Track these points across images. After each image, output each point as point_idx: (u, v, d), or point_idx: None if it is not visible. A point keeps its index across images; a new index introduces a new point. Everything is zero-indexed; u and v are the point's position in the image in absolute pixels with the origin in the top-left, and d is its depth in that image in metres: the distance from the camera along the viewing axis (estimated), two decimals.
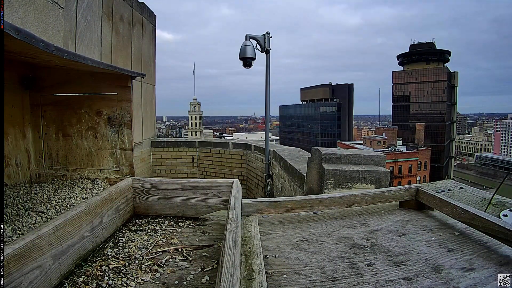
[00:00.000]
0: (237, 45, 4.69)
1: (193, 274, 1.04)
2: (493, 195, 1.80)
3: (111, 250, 1.18)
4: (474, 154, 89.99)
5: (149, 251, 1.19)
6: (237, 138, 34.97)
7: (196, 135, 69.41)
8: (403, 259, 1.10)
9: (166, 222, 1.50)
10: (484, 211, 1.52)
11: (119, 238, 1.28)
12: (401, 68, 64.40)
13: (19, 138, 2.31)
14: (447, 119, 56.40)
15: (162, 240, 1.29)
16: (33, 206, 1.91)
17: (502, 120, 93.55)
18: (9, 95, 2.20)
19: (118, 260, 1.09)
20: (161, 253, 1.18)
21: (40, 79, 2.35)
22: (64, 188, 2.26)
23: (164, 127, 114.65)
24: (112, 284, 0.96)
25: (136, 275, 1.02)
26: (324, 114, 68.10)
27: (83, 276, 1.00)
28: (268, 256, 1.15)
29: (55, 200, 2.03)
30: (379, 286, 0.94)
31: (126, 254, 1.15)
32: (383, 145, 43.24)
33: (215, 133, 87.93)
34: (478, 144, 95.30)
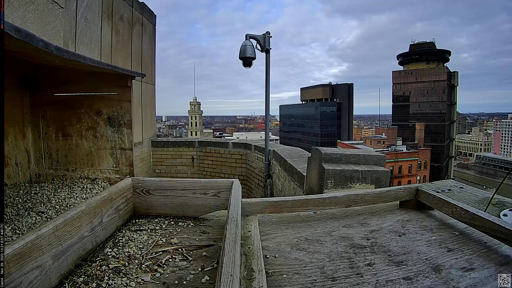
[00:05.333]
0: None
1: (193, 274, 1.04)
2: (493, 195, 1.80)
3: (111, 250, 1.18)
4: (474, 154, 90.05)
5: (149, 251, 1.19)
6: (237, 137, 34.99)
7: (196, 134, 69.46)
8: (403, 259, 1.10)
9: (166, 222, 1.50)
10: (484, 211, 1.52)
11: (119, 238, 1.28)
12: (401, 68, 64.41)
13: (19, 138, 2.32)
14: (447, 119, 56.41)
15: (162, 240, 1.29)
16: (33, 206, 1.91)
17: (502, 120, 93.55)
18: (9, 95, 2.20)
19: (118, 260, 1.09)
20: (161, 253, 1.18)
21: (40, 79, 2.35)
22: (64, 188, 2.26)
23: (164, 126, 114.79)
24: (112, 284, 0.96)
25: (136, 275, 1.02)
26: (324, 113, 68.09)
27: (83, 276, 1.00)
28: (268, 256, 1.15)
29: (55, 200, 2.03)
30: (379, 286, 0.94)
31: (126, 254, 1.15)
32: (383, 145, 43.27)
33: (215, 133, 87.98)
34: (478, 144, 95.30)
